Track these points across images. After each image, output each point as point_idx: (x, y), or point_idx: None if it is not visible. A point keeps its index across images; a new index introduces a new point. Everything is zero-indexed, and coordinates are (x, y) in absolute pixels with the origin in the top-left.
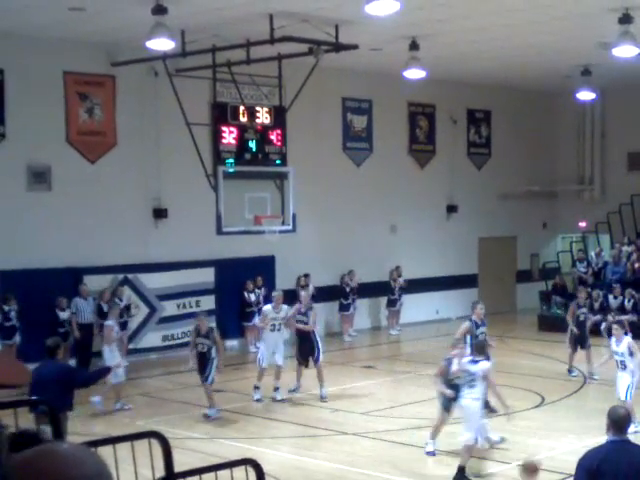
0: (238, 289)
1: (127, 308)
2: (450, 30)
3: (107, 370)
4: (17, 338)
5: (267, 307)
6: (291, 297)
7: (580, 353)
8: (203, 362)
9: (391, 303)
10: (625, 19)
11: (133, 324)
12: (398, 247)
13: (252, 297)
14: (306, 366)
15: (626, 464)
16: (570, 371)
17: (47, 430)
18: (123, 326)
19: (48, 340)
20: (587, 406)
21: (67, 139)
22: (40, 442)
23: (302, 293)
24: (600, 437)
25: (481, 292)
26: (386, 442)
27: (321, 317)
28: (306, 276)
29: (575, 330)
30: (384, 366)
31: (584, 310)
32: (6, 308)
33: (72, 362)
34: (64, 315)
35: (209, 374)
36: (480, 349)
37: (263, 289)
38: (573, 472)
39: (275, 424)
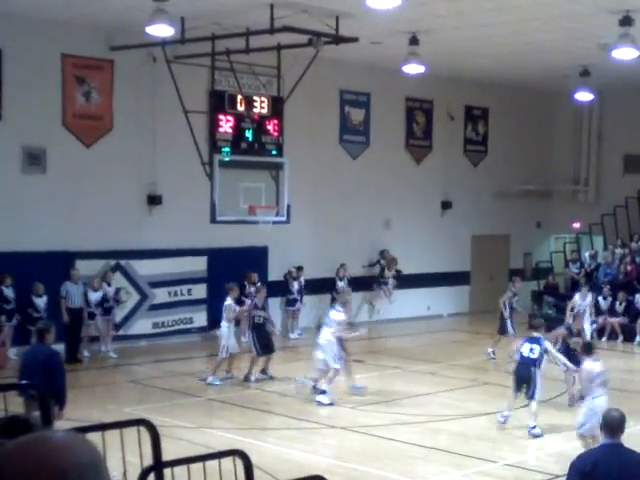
0: (230, 278)
1: (116, 293)
2: (450, 26)
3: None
4: (14, 320)
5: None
6: (284, 288)
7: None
8: (262, 333)
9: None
10: (625, 21)
11: (124, 310)
12: (392, 241)
13: (252, 289)
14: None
15: (618, 468)
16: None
17: (37, 415)
18: (107, 312)
19: (39, 323)
20: (576, 406)
21: (63, 122)
22: (31, 428)
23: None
24: None
25: (473, 289)
26: (374, 437)
27: (313, 309)
28: (299, 269)
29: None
30: (374, 360)
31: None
32: (5, 289)
33: (60, 347)
34: (40, 301)
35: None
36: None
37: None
38: (560, 473)
39: (264, 416)
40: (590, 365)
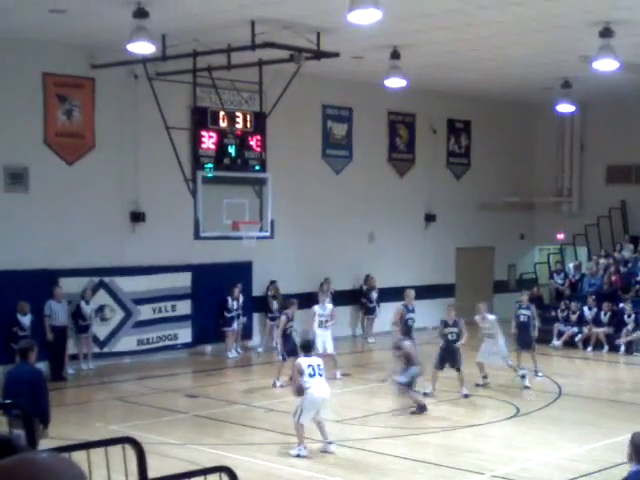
0: (215, 294)
1: (99, 311)
2: (431, 40)
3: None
4: None
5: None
6: (262, 303)
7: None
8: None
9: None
10: (606, 33)
11: (108, 328)
12: (376, 255)
13: (235, 304)
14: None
15: None
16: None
17: (21, 435)
18: (84, 329)
19: (21, 342)
20: (562, 417)
21: (45, 141)
22: (14, 448)
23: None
24: (576, 449)
25: (458, 302)
26: (361, 450)
27: (299, 324)
28: (272, 283)
29: (515, 331)
30: (360, 374)
31: (524, 312)
32: None
33: (43, 365)
34: (25, 320)
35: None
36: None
37: (241, 296)
38: None
39: (251, 431)
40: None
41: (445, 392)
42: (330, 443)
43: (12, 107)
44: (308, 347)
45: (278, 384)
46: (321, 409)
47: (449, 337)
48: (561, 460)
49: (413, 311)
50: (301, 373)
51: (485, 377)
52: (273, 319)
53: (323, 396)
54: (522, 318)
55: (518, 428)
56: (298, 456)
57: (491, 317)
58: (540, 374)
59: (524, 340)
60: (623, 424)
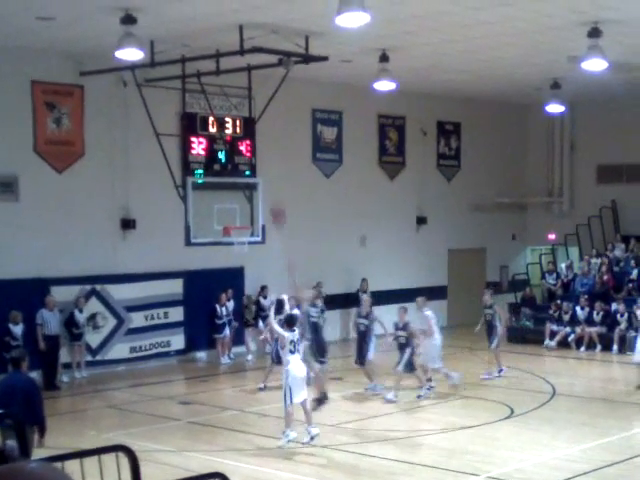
0: (207, 300)
1: (91, 319)
2: (420, 42)
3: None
4: None
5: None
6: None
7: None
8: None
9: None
10: (594, 33)
11: (101, 336)
12: (367, 258)
13: (223, 310)
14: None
15: None
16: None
17: (14, 445)
18: (78, 338)
19: (13, 352)
20: (556, 417)
21: (35, 149)
22: (6, 459)
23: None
24: (570, 449)
25: (450, 303)
26: (355, 454)
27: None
28: (263, 288)
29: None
30: (352, 378)
31: (488, 311)
32: None
33: (36, 374)
34: (17, 329)
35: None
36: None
37: (232, 301)
38: None
39: (244, 437)
40: None
41: (438, 393)
42: (312, 427)
43: (1, 116)
44: (292, 321)
45: (262, 385)
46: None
47: (400, 340)
48: (556, 460)
49: (366, 317)
50: (283, 347)
51: (429, 380)
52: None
53: (301, 374)
54: (487, 317)
55: (512, 429)
56: (289, 442)
57: (427, 313)
58: (501, 373)
59: (488, 338)
60: (617, 423)
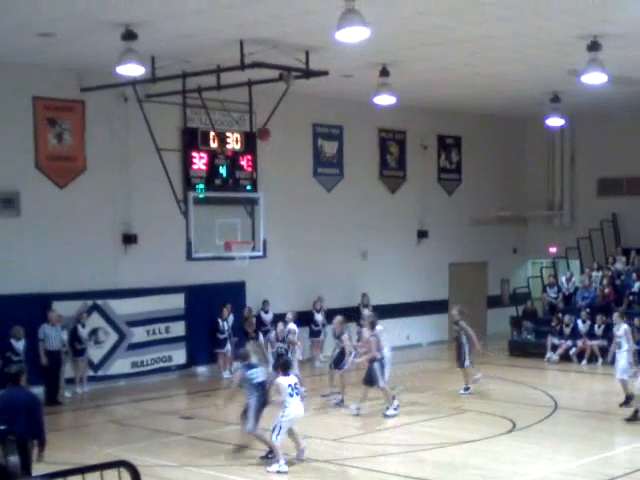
0: (208, 315)
1: (92, 334)
2: (420, 57)
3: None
4: None
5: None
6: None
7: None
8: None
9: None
10: (593, 46)
11: (102, 351)
12: (368, 272)
13: (225, 325)
14: None
15: None
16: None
17: (16, 461)
18: (81, 353)
19: (12, 367)
20: (559, 431)
21: (36, 164)
22: (7, 474)
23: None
24: (572, 463)
25: (451, 317)
26: (357, 469)
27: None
28: (264, 303)
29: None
30: (354, 392)
31: (456, 327)
32: None
33: (38, 389)
34: (19, 345)
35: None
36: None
37: (232, 316)
38: None
39: (247, 451)
40: None
41: (439, 407)
42: (302, 450)
43: (2, 131)
44: (287, 366)
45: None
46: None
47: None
48: (557, 474)
49: (338, 338)
50: (281, 392)
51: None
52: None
53: (299, 414)
54: (454, 334)
55: (514, 443)
56: (279, 472)
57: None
58: (467, 391)
59: (457, 357)
60: (619, 437)
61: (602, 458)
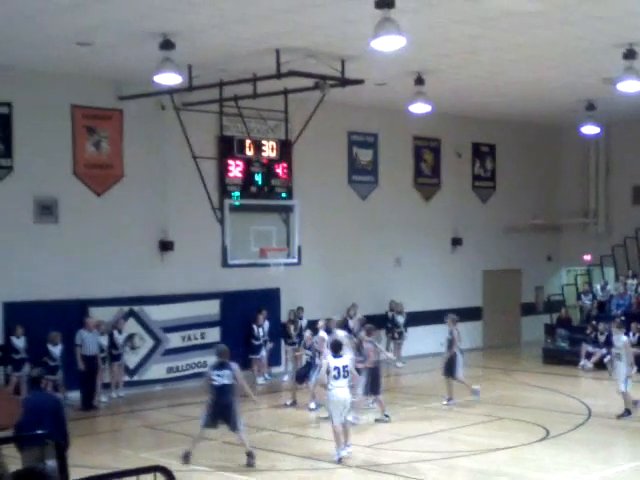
0: (243, 321)
1: (128, 339)
2: (455, 65)
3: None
4: (26, 369)
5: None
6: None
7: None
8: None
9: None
10: (629, 54)
11: (138, 356)
12: (403, 280)
13: (260, 331)
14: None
15: None
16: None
17: (54, 466)
18: (117, 358)
19: (32, 371)
20: (592, 439)
21: (74, 172)
22: (45, 479)
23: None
24: (606, 471)
25: (485, 325)
26: (391, 475)
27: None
28: (298, 309)
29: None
30: (388, 399)
31: (448, 336)
32: (15, 340)
33: (75, 394)
34: (55, 350)
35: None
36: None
37: (267, 322)
38: None
39: (281, 457)
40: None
41: (473, 415)
42: (347, 445)
43: (41, 139)
44: (338, 347)
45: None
46: (344, 412)
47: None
48: None
49: (309, 349)
50: (327, 372)
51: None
52: (292, 344)
53: (342, 398)
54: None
55: (548, 450)
56: (340, 460)
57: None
58: (450, 402)
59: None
60: None
61: (635, 467)
